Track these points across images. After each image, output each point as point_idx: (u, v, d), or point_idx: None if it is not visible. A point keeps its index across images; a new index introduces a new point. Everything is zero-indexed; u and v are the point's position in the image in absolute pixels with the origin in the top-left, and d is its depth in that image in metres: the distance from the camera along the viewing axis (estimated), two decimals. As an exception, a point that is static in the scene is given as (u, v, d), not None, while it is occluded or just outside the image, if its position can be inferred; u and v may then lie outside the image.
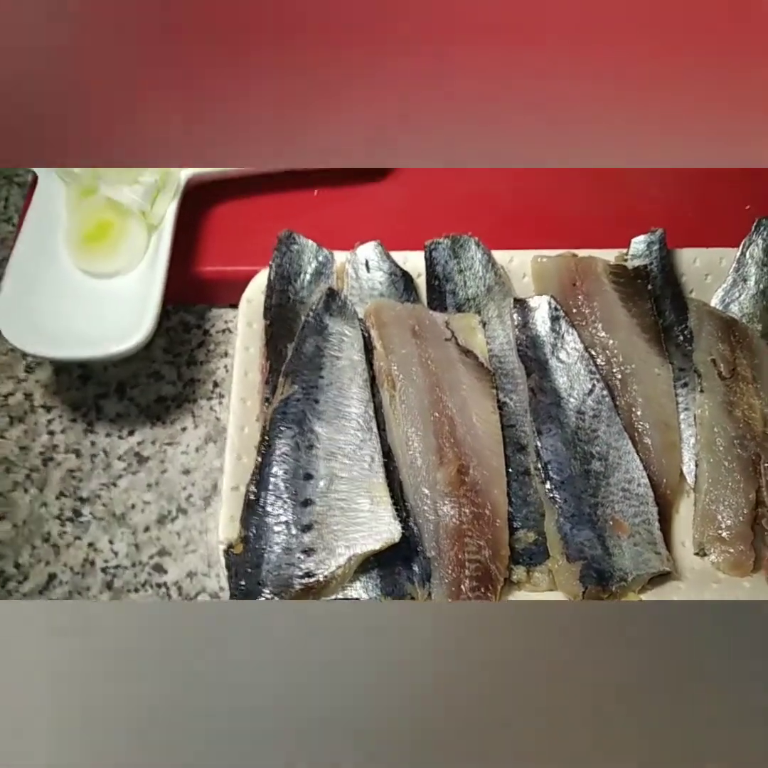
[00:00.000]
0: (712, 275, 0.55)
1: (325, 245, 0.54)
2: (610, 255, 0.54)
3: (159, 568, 0.48)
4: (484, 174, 0.60)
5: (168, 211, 0.52)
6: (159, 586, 0.47)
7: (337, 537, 0.41)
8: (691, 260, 0.55)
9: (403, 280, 0.54)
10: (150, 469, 0.51)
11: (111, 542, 0.48)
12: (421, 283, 0.55)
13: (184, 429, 0.53)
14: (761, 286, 0.54)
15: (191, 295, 0.58)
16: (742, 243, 0.54)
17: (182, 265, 0.56)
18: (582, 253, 0.54)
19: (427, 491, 0.45)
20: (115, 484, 0.51)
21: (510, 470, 0.48)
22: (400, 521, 0.42)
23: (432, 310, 0.54)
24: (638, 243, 0.53)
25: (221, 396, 0.54)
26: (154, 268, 0.49)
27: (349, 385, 0.48)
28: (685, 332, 0.53)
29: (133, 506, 0.50)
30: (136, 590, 0.47)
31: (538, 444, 0.47)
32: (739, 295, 0.54)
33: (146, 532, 0.49)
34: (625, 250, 0.54)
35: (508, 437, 0.49)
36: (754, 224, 0.54)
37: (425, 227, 0.55)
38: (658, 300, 0.53)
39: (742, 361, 0.51)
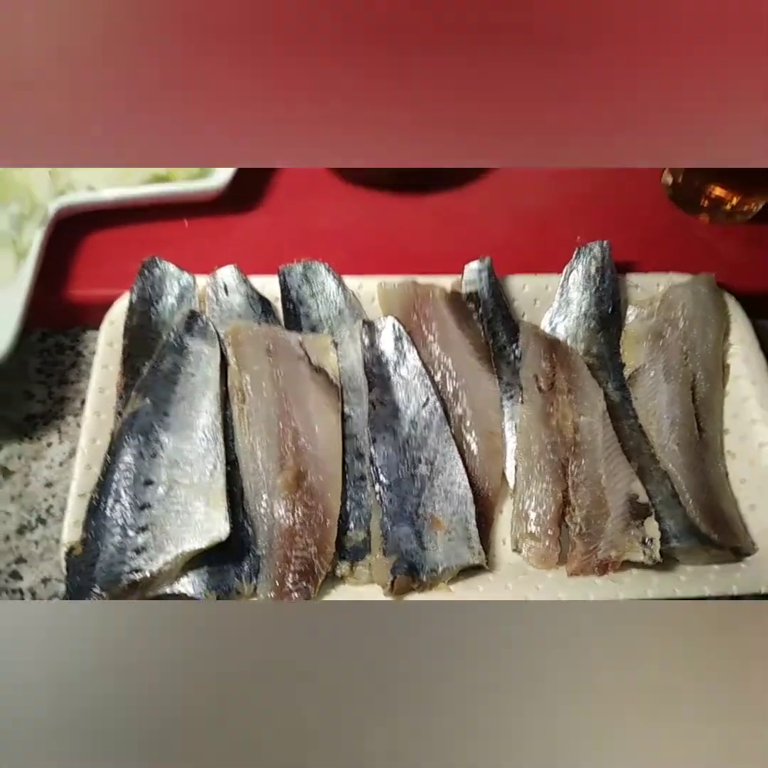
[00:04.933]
0: (540, 300, 0.61)
1: (192, 271, 0.59)
2: (449, 281, 0.60)
3: (16, 575, 0.50)
4: (339, 210, 0.68)
5: (35, 238, 0.55)
6: (14, 591, 0.50)
7: (169, 537, 0.45)
8: (521, 286, 0.61)
9: (260, 303, 0.59)
10: (14, 482, 0.54)
11: (-28, 551, 0.51)
12: (280, 307, 0.60)
13: (49, 444, 0.56)
14: (583, 308, 0.60)
15: (66, 319, 0.62)
16: (565, 269, 0.61)
17: (57, 290, 0.60)
18: (425, 279, 0.60)
19: (265, 495, 0.49)
20: (-21, 497, 0.53)
21: (347, 476, 0.52)
22: (235, 523, 0.46)
23: (289, 330, 0.59)
24: (470, 270, 0.59)
25: (89, 413, 0.58)
26: (17, 293, 0.52)
27: (200, 399, 0.53)
28: (516, 351, 0.59)
29: (-5, 517, 0.53)
30: (-8, 596, 0.49)
31: (372, 450, 0.52)
32: (564, 318, 0.61)
33: (6, 542, 0.52)
34: (461, 277, 0.60)
35: (349, 446, 0.54)
36: (575, 252, 0.61)
37: (283, 257, 0.60)
38: (491, 322, 0.59)
39: (561, 376, 0.57)
